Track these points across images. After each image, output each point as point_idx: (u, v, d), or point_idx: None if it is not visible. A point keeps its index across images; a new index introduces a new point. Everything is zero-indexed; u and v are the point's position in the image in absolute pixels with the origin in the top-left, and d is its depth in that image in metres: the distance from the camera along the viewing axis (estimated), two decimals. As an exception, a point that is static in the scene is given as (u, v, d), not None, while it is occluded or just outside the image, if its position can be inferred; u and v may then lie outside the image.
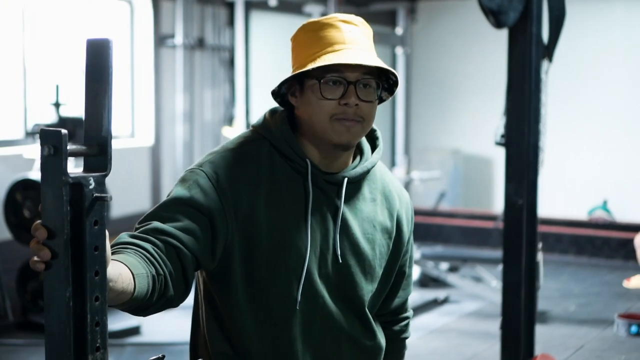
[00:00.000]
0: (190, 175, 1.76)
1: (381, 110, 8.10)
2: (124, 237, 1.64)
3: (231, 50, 8.24)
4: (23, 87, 6.52)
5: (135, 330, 5.73)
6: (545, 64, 4.07)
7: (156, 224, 1.68)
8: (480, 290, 6.94)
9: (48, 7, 6.85)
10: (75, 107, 6.85)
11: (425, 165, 10.11)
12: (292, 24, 9.64)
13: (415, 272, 7.37)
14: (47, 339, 1.25)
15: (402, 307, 2.04)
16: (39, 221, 1.24)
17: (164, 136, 7.90)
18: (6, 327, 5.55)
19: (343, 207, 1.80)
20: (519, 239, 3.92)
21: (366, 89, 1.75)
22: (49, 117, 5.87)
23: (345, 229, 1.81)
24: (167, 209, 1.71)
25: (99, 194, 1.26)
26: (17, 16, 6.49)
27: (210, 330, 1.83)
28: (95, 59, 1.29)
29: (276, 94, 1.84)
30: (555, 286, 7.35)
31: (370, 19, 7.99)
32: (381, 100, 1.86)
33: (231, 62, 8.26)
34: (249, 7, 7.75)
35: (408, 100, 9.08)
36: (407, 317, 2.06)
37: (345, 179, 1.81)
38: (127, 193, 7.06)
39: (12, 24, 6.46)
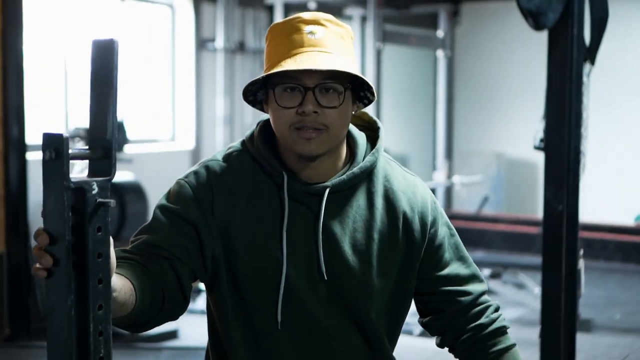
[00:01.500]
0: (175, 187, 1.71)
1: (422, 114, 8.05)
2: (117, 252, 1.59)
3: (272, 54, 8.21)
4: (64, 91, 6.57)
5: (172, 334, 5.73)
6: (587, 66, 3.97)
7: (146, 237, 1.64)
8: (521, 298, 6.82)
9: (90, 11, 6.90)
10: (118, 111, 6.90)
11: (468, 169, 9.99)
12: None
13: (456, 278, 7.26)
14: (49, 348, 1.22)
15: (474, 302, 1.80)
16: (41, 227, 1.21)
17: (205, 139, 7.91)
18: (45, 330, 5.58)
19: (326, 220, 1.68)
20: (559, 245, 3.82)
21: (329, 93, 1.62)
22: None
23: (332, 242, 1.68)
24: (155, 222, 1.67)
25: (102, 200, 1.22)
26: (59, 20, 6.54)
27: (212, 346, 1.79)
28: (100, 60, 1.25)
29: (254, 101, 1.75)
30: (600, 294, 7.20)
31: (411, 21, 7.94)
32: (369, 101, 1.74)
33: (272, 66, 8.23)
34: (288, 9, 7.72)
35: (450, 104, 9.01)
36: (488, 306, 1.82)
37: (327, 190, 1.68)
38: (167, 196, 7.06)
39: (54, 27, 6.52)
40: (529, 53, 10.00)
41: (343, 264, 1.69)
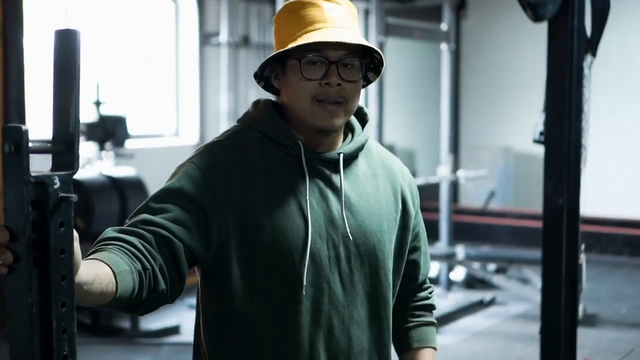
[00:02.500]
0: (180, 168, 1.70)
1: (429, 108, 8.00)
2: (109, 232, 1.57)
3: (276, 48, 8.18)
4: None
5: (174, 330, 5.71)
6: (588, 58, 3.92)
7: (144, 215, 1.61)
8: (526, 292, 6.77)
9: (92, 6, 6.88)
10: (117, 106, 6.87)
11: (475, 164, 9.93)
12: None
13: (461, 273, 7.23)
14: (12, 347, 1.19)
15: (424, 283, 1.98)
16: (2, 223, 1.18)
17: (209, 134, 7.89)
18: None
19: (344, 184, 1.74)
20: (559, 240, 3.78)
21: (349, 68, 1.69)
22: (90, 116, 5.88)
23: (350, 207, 1.74)
24: (156, 201, 1.64)
25: (64, 194, 1.19)
26: (60, 14, 6.52)
27: (209, 343, 1.75)
28: (63, 51, 1.21)
29: (259, 77, 1.78)
30: (607, 288, 7.16)
31: (416, 14, 7.90)
32: (368, 82, 1.82)
33: (276, 60, 8.20)
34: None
35: (457, 98, 8.95)
36: (429, 286, 2.00)
37: (341, 155, 1.74)
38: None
39: (55, 22, 6.50)
40: (536, 46, 9.92)
41: (361, 226, 1.75)
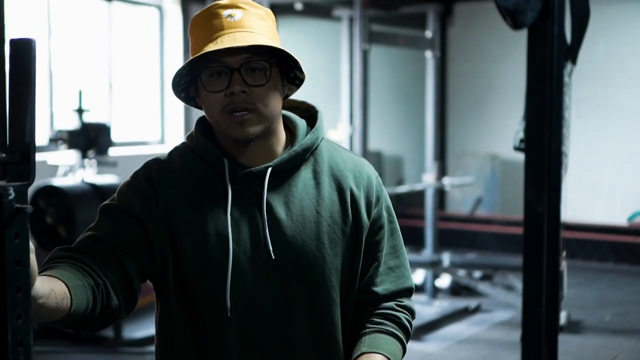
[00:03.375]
0: (120, 187, 1.71)
1: (415, 116, 7.95)
2: (57, 251, 1.57)
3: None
4: (49, 93, 6.53)
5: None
6: (568, 65, 3.92)
7: (89, 233, 1.62)
8: (512, 299, 6.77)
9: (75, 13, 6.86)
10: (99, 113, 6.85)
11: (462, 171, 9.94)
12: (318, 28, 9.58)
13: (446, 280, 7.23)
14: (-35, 360, 1.17)
15: (391, 299, 1.78)
16: None
17: (194, 142, 7.87)
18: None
19: (272, 199, 1.67)
20: (540, 247, 3.78)
21: (255, 72, 1.62)
22: (72, 123, 5.85)
23: (278, 222, 1.66)
24: (100, 219, 1.65)
25: (19, 205, 1.17)
26: (43, 21, 6.50)
27: (156, 350, 1.74)
28: (18, 60, 1.20)
29: (187, 98, 1.73)
30: (591, 295, 7.16)
31: (401, 22, 7.87)
32: (300, 82, 1.73)
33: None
34: (274, 11, 7.65)
35: (444, 105, 8.95)
36: (400, 310, 1.77)
37: (269, 169, 1.67)
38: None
39: (38, 29, 6.48)
40: (523, 53, 9.94)
41: (291, 243, 1.66)
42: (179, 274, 1.66)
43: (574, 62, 3.94)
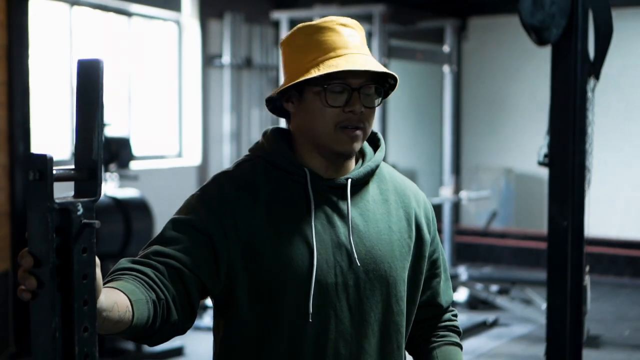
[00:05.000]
0: (189, 201, 1.72)
1: (431, 130, 8.02)
2: (124, 262, 1.59)
3: (278, 70, 8.23)
4: (71, 108, 6.59)
5: (178, 351, 5.71)
6: (591, 81, 3.95)
7: (156, 247, 1.63)
8: (530, 313, 6.77)
9: (97, 28, 6.92)
10: (120, 128, 6.90)
11: (477, 185, 9.96)
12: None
13: (463, 294, 7.23)
14: (34, 371, 1.20)
15: (447, 310, 1.92)
16: (25, 249, 1.20)
17: (212, 155, 7.91)
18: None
19: (352, 210, 1.73)
20: (564, 262, 3.79)
21: (369, 96, 1.70)
22: (94, 137, 5.90)
23: (358, 233, 1.72)
24: (167, 233, 1.66)
25: (87, 220, 1.21)
26: (65, 37, 6.56)
27: None
28: (86, 80, 1.24)
29: (268, 100, 1.79)
30: (609, 309, 7.16)
31: (418, 37, 7.93)
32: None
33: (278, 81, 8.25)
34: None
35: (458, 119, 8.99)
36: (455, 319, 1.94)
37: (349, 181, 1.73)
38: (174, 212, 7.06)
39: (61, 43, 6.54)
40: (537, 67, 9.98)
41: (370, 252, 1.72)
42: (256, 287, 1.67)
43: (597, 77, 3.96)
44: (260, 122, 8.26)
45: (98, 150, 1.23)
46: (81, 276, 1.21)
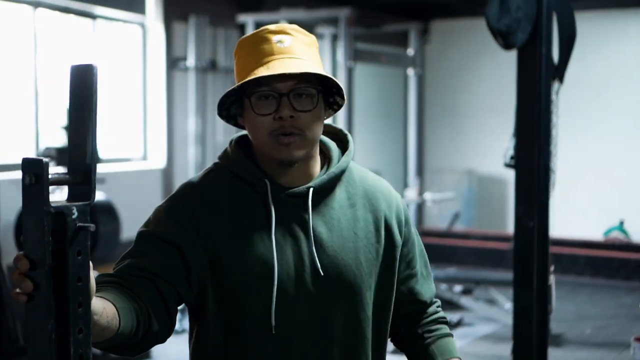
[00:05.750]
0: (156, 213, 1.73)
1: (393, 132, 8.06)
2: (100, 277, 1.60)
3: (243, 72, 8.23)
4: (35, 110, 6.54)
5: (145, 354, 5.70)
6: (555, 84, 4.03)
7: (129, 260, 1.65)
8: (493, 313, 6.86)
9: (60, 30, 6.88)
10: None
11: (439, 186, 10.06)
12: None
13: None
14: (30, 372, 1.22)
15: (431, 305, 1.92)
16: (21, 252, 1.21)
17: (177, 158, 7.90)
18: (17, 352, 5.53)
19: (313, 219, 1.72)
20: (530, 261, 3.87)
21: (302, 98, 1.67)
22: (60, 140, 5.87)
23: (320, 241, 1.72)
24: (138, 246, 1.68)
25: (82, 224, 1.23)
26: (29, 39, 6.52)
27: None
28: (79, 85, 1.26)
29: (228, 116, 1.78)
30: (570, 308, 7.27)
31: (382, 40, 7.96)
32: (339, 106, 1.79)
33: (243, 84, 8.26)
34: (260, 28, 7.74)
35: (421, 121, 9.07)
36: (440, 310, 1.94)
37: (311, 189, 1.72)
38: (139, 215, 7.01)
39: (24, 46, 6.49)
40: (498, 70, 10.11)
41: (333, 261, 1.72)
42: (221, 299, 1.69)
43: (561, 81, 4.05)
44: (225, 125, 8.25)
45: (92, 154, 1.25)
46: (76, 278, 1.24)
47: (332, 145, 1.82)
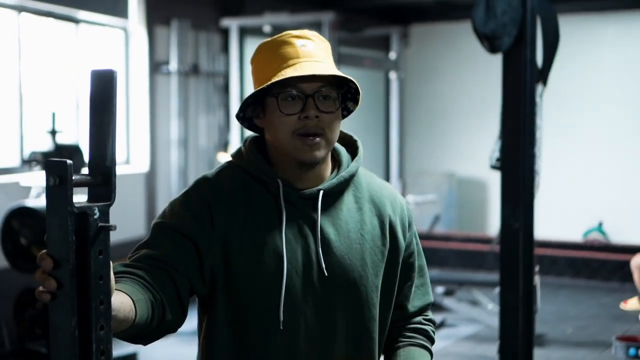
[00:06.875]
0: (172, 205, 1.78)
1: (375, 134, 8.11)
2: (117, 267, 1.64)
3: (225, 76, 8.27)
4: (19, 115, 6.53)
5: (131, 358, 5.71)
6: (539, 87, 4.10)
7: (145, 251, 1.70)
8: (476, 314, 6.93)
9: (44, 34, 6.88)
10: (72, 135, 6.87)
11: (419, 189, 10.13)
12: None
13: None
14: (53, 368, 1.25)
15: (419, 314, 1.94)
16: (44, 251, 1.25)
17: (159, 162, 7.91)
18: (3, 355, 5.53)
19: (322, 220, 1.77)
20: (516, 262, 3.94)
21: (326, 100, 1.73)
22: (45, 145, 5.87)
23: (328, 242, 1.77)
24: (154, 237, 1.73)
25: (103, 224, 1.27)
26: (13, 43, 6.51)
27: None
28: (99, 89, 1.30)
29: (242, 118, 1.83)
30: (551, 309, 7.35)
31: (364, 44, 8.00)
32: (349, 112, 1.86)
33: (225, 88, 8.29)
34: (243, 33, 7.78)
35: (402, 124, 9.14)
36: (427, 323, 1.94)
37: (321, 192, 1.78)
38: (123, 219, 7.04)
39: (8, 50, 6.48)
40: (477, 73, 10.21)
41: (340, 262, 1.77)
42: (231, 292, 1.74)
43: (544, 84, 4.12)
44: (207, 129, 8.28)
45: (112, 156, 1.30)
46: (97, 277, 1.27)
47: (342, 150, 1.88)
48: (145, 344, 1.66)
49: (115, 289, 1.51)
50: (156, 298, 1.62)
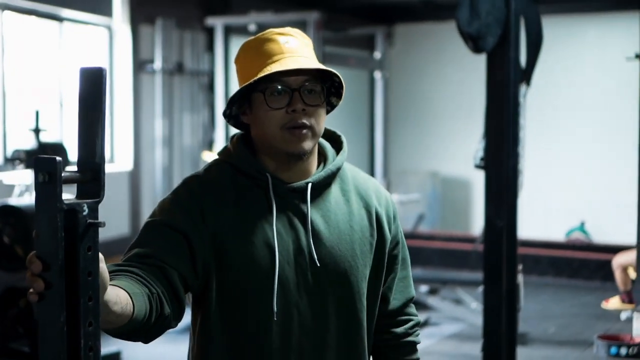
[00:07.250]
0: (162, 204, 1.80)
1: (359, 133, 8.13)
2: (109, 267, 1.64)
3: (210, 75, 8.27)
4: (2, 113, 6.51)
5: (114, 357, 5.70)
6: (523, 87, 4.13)
7: (136, 250, 1.71)
8: (460, 313, 6.96)
9: (27, 33, 6.86)
10: (55, 133, 6.85)
11: (403, 188, 10.15)
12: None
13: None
14: (41, 364, 1.26)
15: (402, 309, 1.97)
16: (33, 252, 1.25)
17: (143, 161, 7.91)
18: (-15, 355, 5.50)
19: (312, 212, 1.81)
20: (499, 261, 3.96)
21: (311, 94, 1.77)
22: (29, 143, 5.85)
23: (318, 234, 1.80)
24: (144, 236, 1.74)
25: (92, 220, 1.27)
26: (-4, 42, 6.49)
27: (194, 357, 1.83)
28: (88, 87, 1.31)
29: (229, 116, 1.86)
30: (534, 308, 7.40)
31: (349, 43, 8.02)
32: (332, 107, 1.90)
33: (210, 87, 8.29)
34: (228, 32, 7.79)
35: (386, 124, 9.17)
36: (411, 319, 1.98)
37: (309, 185, 1.82)
38: (107, 218, 6.94)
39: (-9, 49, 6.46)
40: (462, 73, 10.25)
41: (330, 252, 1.81)
42: (224, 286, 1.76)
43: (528, 83, 4.15)
44: (191, 128, 8.28)
45: (101, 153, 1.30)
46: (86, 273, 1.28)
47: (327, 145, 1.92)
48: (145, 341, 1.66)
49: (110, 284, 1.52)
50: (152, 292, 1.62)
